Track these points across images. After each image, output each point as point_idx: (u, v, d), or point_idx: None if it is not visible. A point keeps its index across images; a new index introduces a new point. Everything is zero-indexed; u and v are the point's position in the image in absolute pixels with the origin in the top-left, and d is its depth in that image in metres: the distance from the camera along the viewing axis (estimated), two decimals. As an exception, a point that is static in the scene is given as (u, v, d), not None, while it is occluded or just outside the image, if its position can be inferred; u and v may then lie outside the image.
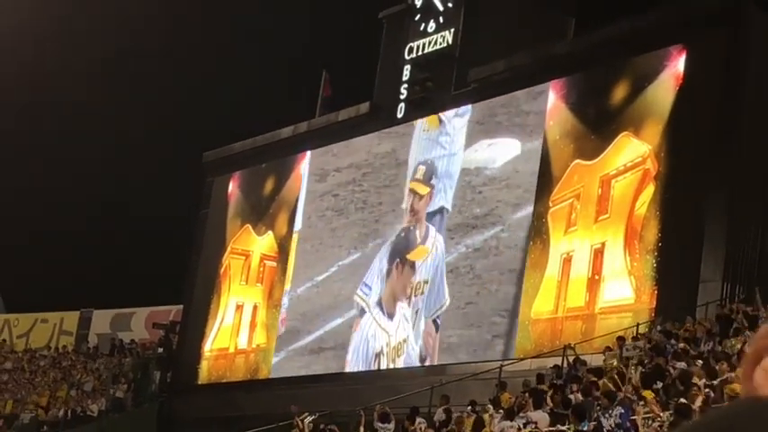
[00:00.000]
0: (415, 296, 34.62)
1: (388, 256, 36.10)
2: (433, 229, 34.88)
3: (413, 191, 36.07)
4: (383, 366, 34.95)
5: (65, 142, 55.55)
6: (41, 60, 51.96)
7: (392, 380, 33.38)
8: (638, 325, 26.85)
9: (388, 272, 35.89)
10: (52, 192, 56.61)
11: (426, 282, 34.44)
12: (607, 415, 18.32)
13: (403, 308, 34.88)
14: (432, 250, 34.67)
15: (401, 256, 35.66)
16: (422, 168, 35.97)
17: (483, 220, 33.60)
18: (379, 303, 35.78)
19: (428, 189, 35.58)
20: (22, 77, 50.00)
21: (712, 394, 17.64)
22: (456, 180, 34.75)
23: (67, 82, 53.04)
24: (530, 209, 32.15)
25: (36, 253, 55.89)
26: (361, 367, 35.75)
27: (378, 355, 35.25)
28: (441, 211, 34.91)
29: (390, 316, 35.22)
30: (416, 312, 34.39)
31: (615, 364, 22.88)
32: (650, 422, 17.51)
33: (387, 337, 35.13)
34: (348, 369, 36.26)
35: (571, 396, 20.57)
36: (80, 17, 51.12)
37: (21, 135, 54.96)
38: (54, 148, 55.93)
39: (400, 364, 34.45)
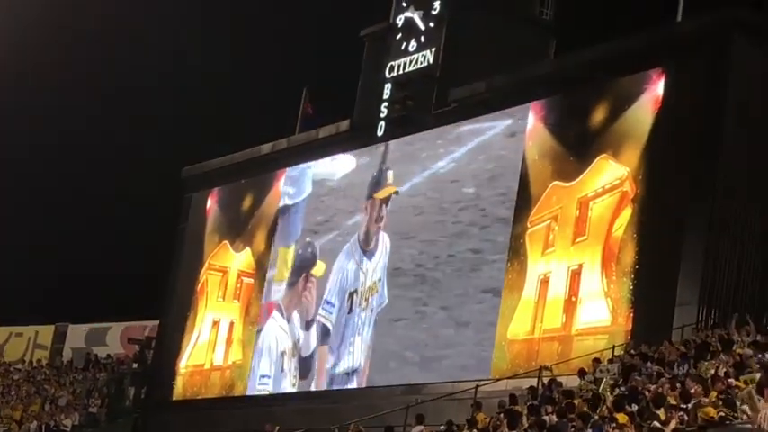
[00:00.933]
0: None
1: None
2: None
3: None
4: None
5: (41, 156, 55.38)
6: (13, 72, 51.77)
7: (368, 398, 33.28)
8: (613, 347, 26.83)
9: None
10: (29, 205, 56.40)
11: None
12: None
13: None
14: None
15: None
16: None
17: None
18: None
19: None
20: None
21: (686, 417, 17.64)
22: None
23: (44, 96, 52.89)
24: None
25: (11, 266, 55.61)
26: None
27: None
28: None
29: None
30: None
31: (590, 386, 22.86)
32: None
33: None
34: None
35: (545, 417, 20.52)
36: (57, 28, 50.99)
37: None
38: (30, 161, 55.75)
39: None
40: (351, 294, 36.25)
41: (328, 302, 36.80)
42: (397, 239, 35.46)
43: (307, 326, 37.41)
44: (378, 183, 36.84)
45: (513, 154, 32.83)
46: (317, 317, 37.09)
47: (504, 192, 32.64)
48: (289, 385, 37.61)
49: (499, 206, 32.65)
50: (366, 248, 36.36)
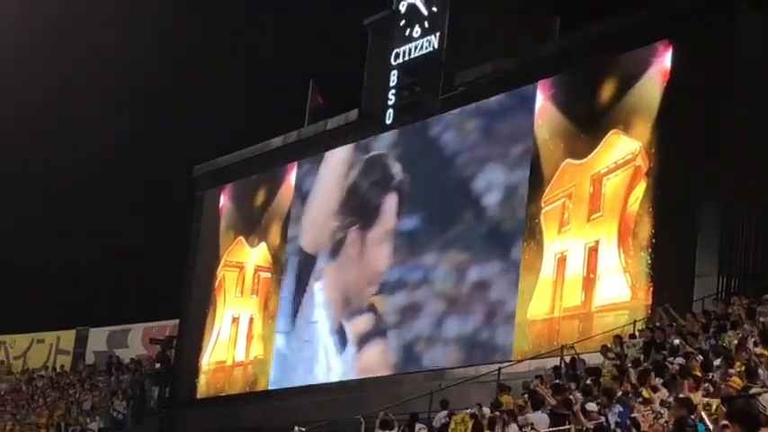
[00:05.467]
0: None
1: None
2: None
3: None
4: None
5: (56, 159, 55.43)
6: (23, 73, 51.80)
7: (391, 385, 33.30)
8: (635, 322, 26.81)
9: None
10: (45, 210, 56.49)
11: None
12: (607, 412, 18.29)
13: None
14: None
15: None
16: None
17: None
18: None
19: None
20: (6, 92, 49.83)
21: (712, 388, 17.60)
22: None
23: (55, 96, 52.92)
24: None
25: (30, 273, 55.76)
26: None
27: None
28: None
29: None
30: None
31: (614, 362, 22.84)
32: (652, 419, 17.46)
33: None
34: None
35: (570, 396, 20.50)
36: (67, 29, 51.01)
37: (11, 150, 54.80)
38: (49, 163, 55.81)
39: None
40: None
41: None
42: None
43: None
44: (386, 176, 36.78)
45: (524, 134, 32.76)
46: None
47: (517, 172, 32.56)
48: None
49: (512, 187, 32.57)
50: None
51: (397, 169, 36.60)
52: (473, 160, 34.06)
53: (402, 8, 37.63)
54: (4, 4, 46.42)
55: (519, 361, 29.42)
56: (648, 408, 17.84)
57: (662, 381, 19.11)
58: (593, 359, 24.89)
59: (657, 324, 24.67)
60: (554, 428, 19.63)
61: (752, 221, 27.69)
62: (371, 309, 35.98)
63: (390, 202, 36.42)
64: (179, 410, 42.29)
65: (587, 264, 29.89)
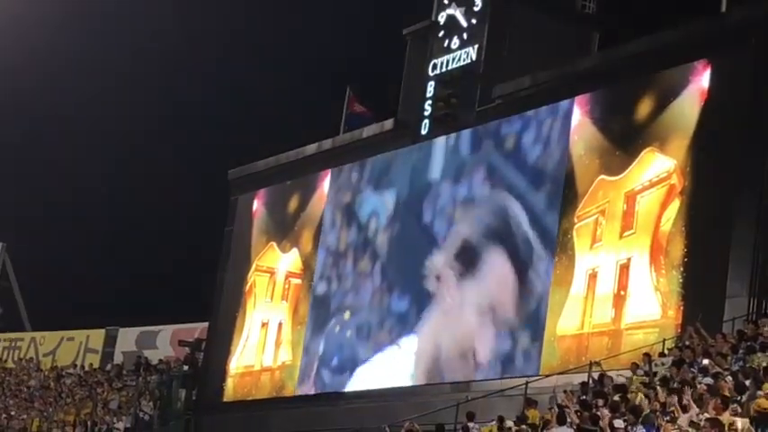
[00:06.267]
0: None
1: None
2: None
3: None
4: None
5: (91, 160, 55.80)
6: (59, 73, 52.17)
7: (418, 396, 33.31)
8: (664, 341, 26.70)
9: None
10: (78, 210, 56.84)
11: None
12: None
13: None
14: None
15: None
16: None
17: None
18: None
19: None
20: (39, 93, 50.21)
21: (740, 409, 17.55)
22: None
23: (91, 99, 53.28)
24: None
25: (62, 271, 56.11)
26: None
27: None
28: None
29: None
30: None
31: (641, 380, 22.78)
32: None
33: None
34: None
35: (598, 413, 20.47)
36: (101, 31, 51.36)
37: (39, 150, 55.19)
38: (79, 164, 56.18)
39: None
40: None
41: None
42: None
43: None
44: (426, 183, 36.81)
45: (560, 149, 32.71)
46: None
47: (551, 187, 32.52)
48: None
49: (546, 202, 32.54)
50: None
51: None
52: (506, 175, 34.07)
53: (441, 19, 37.67)
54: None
55: (546, 376, 29.34)
56: (676, 427, 17.80)
57: (690, 401, 19.05)
58: (622, 376, 24.81)
59: (687, 343, 24.58)
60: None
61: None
62: (402, 319, 36.05)
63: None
64: (205, 413, 42.40)
65: (618, 281, 29.80)
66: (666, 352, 25.32)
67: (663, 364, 23.81)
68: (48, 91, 50.66)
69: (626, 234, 30.00)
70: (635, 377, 23.75)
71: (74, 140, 56.23)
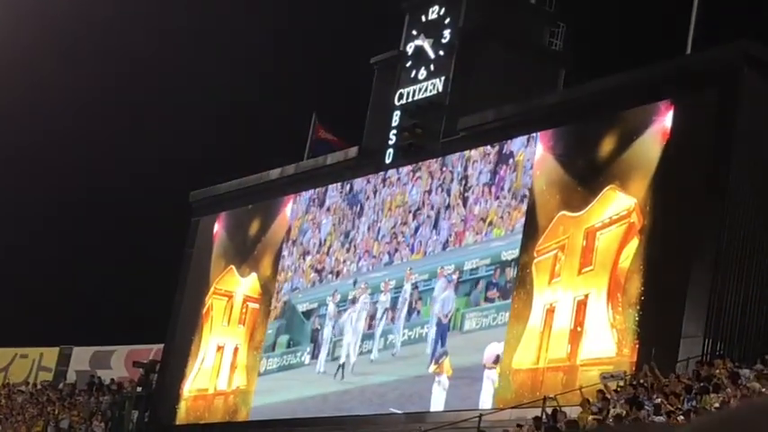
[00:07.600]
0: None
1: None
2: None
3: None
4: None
5: (47, 177, 55.46)
6: (26, 93, 51.90)
7: (372, 426, 33.19)
8: (620, 377, 26.73)
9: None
10: (35, 227, 56.44)
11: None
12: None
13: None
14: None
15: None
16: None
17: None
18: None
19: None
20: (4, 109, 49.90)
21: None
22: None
23: (54, 117, 53.02)
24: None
25: (16, 287, 55.61)
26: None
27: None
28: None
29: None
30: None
31: (592, 417, 22.79)
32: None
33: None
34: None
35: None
36: (63, 55, 51.18)
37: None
38: (36, 183, 55.82)
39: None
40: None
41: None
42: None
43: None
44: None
45: (521, 183, 32.83)
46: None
47: (511, 221, 32.62)
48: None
49: (506, 235, 32.62)
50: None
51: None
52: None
53: (409, 50, 37.79)
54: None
55: (501, 409, 29.33)
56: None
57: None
58: (575, 412, 24.84)
59: (641, 381, 24.64)
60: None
61: (741, 286, 27.70)
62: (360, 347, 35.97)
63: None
64: (157, 435, 42.07)
65: (575, 317, 29.88)
66: (620, 390, 25.36)
67: (617, 401, 23.84)
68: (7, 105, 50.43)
69: (585, 270, 30.11)
70: (586, 414, 23.76)
71: (30, 158, 55.90)
